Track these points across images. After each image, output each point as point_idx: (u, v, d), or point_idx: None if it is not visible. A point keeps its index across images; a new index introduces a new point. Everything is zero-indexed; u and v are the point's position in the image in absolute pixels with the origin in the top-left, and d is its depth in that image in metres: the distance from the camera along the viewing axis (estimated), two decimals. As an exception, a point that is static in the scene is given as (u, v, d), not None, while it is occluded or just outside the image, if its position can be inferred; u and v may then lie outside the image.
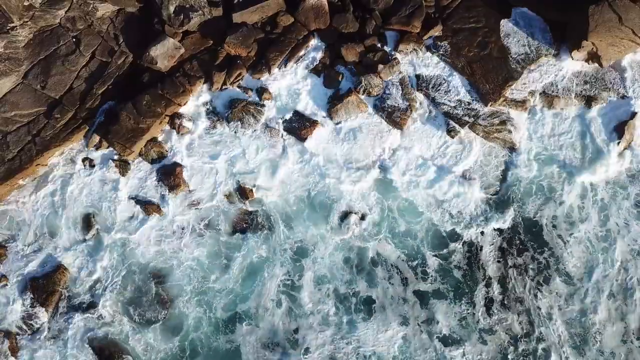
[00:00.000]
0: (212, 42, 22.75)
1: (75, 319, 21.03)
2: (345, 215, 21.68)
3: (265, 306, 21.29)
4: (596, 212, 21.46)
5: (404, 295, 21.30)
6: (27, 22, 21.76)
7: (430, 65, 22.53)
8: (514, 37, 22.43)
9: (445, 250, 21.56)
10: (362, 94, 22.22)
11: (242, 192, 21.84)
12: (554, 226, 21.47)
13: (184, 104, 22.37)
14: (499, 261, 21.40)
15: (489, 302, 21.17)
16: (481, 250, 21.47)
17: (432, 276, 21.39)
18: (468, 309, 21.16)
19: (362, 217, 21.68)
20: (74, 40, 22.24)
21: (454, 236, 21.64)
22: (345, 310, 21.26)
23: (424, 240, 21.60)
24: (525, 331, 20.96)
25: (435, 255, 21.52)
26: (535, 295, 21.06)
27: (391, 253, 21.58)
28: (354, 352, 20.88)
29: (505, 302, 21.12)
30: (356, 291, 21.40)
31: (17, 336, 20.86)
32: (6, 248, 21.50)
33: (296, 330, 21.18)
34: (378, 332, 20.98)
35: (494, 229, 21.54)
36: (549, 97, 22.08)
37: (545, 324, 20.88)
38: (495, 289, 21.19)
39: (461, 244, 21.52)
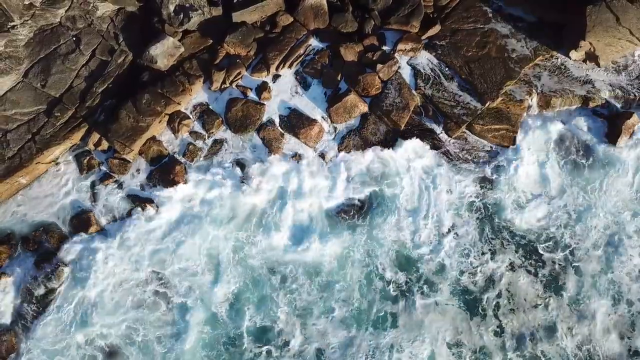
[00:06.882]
0: (211, 41, 22.85)
1: (72, 317, 21.11)
2: None
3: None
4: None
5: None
6: (27, 20, 21.85)
7: (429, 64, 22.65)
8: (512, 37, 22.60)
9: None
10: (361, 94, 22.34)
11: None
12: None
13: (184, 103, 22.48)
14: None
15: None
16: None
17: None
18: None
19: None
20: (74, 39, 22.33)
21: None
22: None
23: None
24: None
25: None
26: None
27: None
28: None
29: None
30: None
31: (16, 335, 20.91)
32: (8, 246, 21.60)
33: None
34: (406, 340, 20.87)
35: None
36: (546, 96, 22.20)
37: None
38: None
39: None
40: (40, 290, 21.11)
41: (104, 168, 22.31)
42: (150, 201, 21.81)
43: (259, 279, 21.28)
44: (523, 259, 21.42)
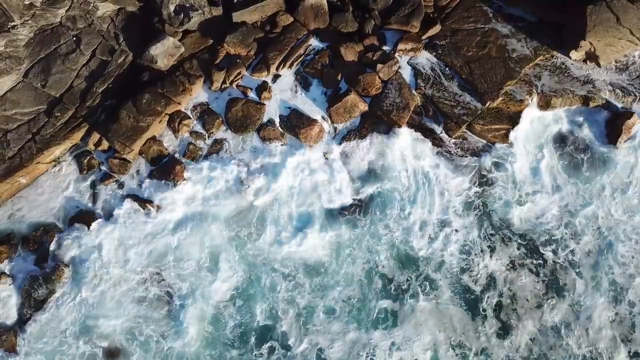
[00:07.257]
0: (212, 41, 22.85)
1: (72, 315, 21.13)
2: None
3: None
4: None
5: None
6: (27, 20, 21.86)
7: (429, 64, 22.66)
8: (512, 37, 22.60)
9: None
10: (361, 93, 22.34)
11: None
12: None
13: (184, 103, 22.49)
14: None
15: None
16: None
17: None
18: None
19: None
20: (75, 39, 22.34)
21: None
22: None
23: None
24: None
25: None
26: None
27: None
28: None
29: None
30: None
31: (17, 334, 20.92)
32: (8, 246, 21.61)
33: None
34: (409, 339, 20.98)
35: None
36: (547, 96, 22.20)
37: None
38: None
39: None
40: (41, 290, 21.12)
41: (104, 168, 22.33)
42: (150, 201, 21.83)
43: (260, 277, 21.32)
44: (523, 257, 21.46)
